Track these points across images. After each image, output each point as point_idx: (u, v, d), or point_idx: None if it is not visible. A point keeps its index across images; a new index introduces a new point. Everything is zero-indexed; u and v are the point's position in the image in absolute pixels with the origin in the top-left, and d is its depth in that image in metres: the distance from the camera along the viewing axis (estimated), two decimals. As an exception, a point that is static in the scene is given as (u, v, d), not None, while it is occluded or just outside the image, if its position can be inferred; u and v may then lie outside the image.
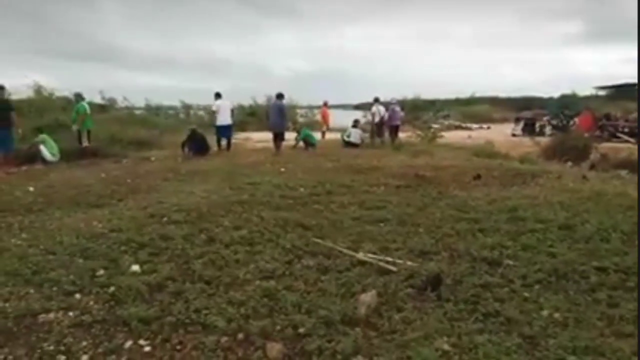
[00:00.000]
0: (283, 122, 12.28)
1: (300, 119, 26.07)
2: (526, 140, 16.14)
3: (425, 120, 22.99)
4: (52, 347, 2.58)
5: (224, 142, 12.84)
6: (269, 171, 8.48)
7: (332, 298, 3.13)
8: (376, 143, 14.28)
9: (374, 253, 3.97)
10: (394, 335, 2.67)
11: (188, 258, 3.90)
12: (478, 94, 40.89)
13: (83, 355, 2.50)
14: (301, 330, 2.70)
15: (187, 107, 27.48)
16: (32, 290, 3.30)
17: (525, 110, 25.22)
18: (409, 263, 3.73)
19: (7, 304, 3.08)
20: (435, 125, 21.27)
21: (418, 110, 28.85)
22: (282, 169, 8.69)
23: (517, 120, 22.80)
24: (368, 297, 3.03)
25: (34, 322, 2.86)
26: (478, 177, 7.43)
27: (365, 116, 18.18)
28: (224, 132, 12.72)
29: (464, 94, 42.10)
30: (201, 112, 25.90)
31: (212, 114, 12.96)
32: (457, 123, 28.01)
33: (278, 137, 12.26)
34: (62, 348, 2.58)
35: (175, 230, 4.58)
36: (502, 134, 20.55)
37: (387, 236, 4.49)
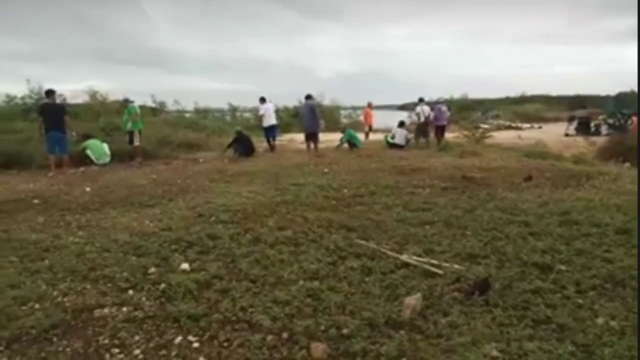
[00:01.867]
0: (315, 123, 12.26)
1: (344, 120, 26.09)
2: (580, 140, 15.43)
3: (473, 120, 22.43)
4: (107, 341, 2.71)
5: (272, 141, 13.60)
6: (313, 172, 8.52)
7: (376, 300, 3.11)
8: (421, 144, 14.04)
9: (419, 255, 3.92)
10: (440, 340, 2.62)
11: (234, 257, 3.99)
12: (529, 93, 39.51)
13: (136, 349, 2.61)
14: (345, 331, 2.70)
15: (233, 110, 28.13)
16: (88, 286, 3.47)
17: (579, 109, 24.10)
18: (456, 266, 3.65)
19: (65, 299, 3.26)
20: (484, 125, 20.70)
21: (466, 110, 28.25)
22: (326, 170, 8.72)
23: (570, 119, 21.84)
24: (413, 300, 2.99)
25: (90, 316, 3.01)
26: (529, 178, 7.16)
27: (409, 117, 17.94)
28: (271, 132, 13.62)
29: (514, 92, 40.81)
30: (247, 114, 26.46)
31: (260, 117, 13.74)
32: (507, 123, 27.13)
33: (311, 138, 12.31)
34: (116, 342, 2.70)
35: (222, 230, 4.70)
36: (554, 133, 19.73)
37: (433, 239, 4.41)
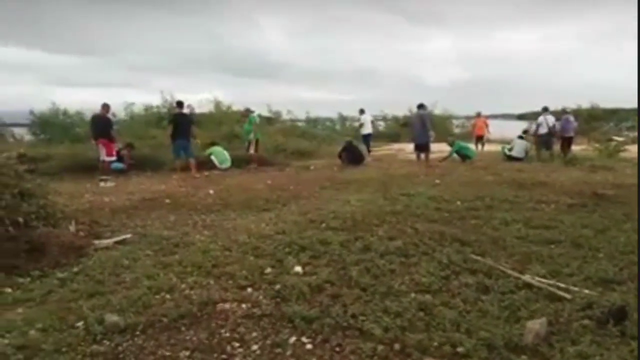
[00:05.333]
0: (425, 134, 11.87)
1: (456, 130, 25.15)
2: None
3: (604, 132, 20.21)
4: (228, 334, 2.89)
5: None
6: (423, 183, 8.32)
7: (494, 320, 2.92)
8: (543, 156, 12.99)
9: (543, 277, 3.61)
10: (568, 370, 2.38)
11: (345, 264, 4.03)
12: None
13: (254, 345, 2.75)
14: (460, 349, 2.58)
15: (342, 119, 28.64)
16: (212, 281, 3.74)
17: None
18: (586, 291, 3.30)
19: (192, 292, 3.54)
20: (618, 138, 18.53)
21: (595, 120, 25.57)
22: (437, 181, 8.46)
23: None
24: (537, 325, 2.75)
25: (213, 309, 3.23)
26: (676, 198, 6.25)
27: (530, 127, 16.73)
28: (367, 139, 14.82)
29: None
30: (356, 124, 26.76)
31: (360, 126, 15.19)
32: (645, 135, 23.99)
33: (420, 149, 11.98)
34: (236, 336, 2.86)
35: (332, 236, 4.77)
36: None
37: (559, 259, 4.04)
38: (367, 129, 14.96)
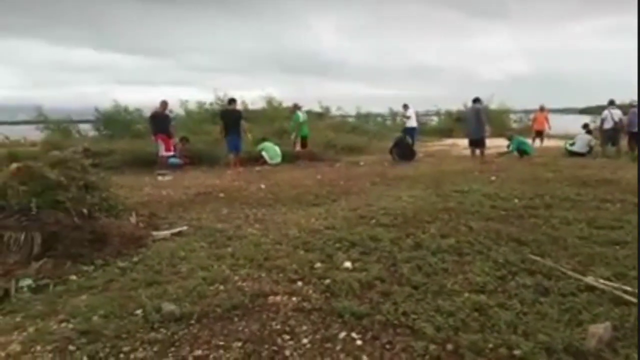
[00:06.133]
0: (480, 128, 11.46)
1: (514, 125, 24.19)
2: None
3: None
4: (278, 327, 2.92)
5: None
6: (478, 179, 8.07)
7: (554, 324, 2.78)
8: (608, 152, 12.24)
9: (608, 279, 3.40)
10: (635, 379, 2.23)
11: (395, 261, 3.97)
12: None
13: (304, 338, 2.77)
14: (517, 352, 2.48)
15: (393, 114, 28.29)
16: (263, 274, 3.80)
17: None
18: (656, 296, 3.08)
19: (244, 284, 3.61)
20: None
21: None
22: (493, 178, 8.17)
23: None
24: (600, 329, 2.59)
25: (264, 302, 3.28)
26: None
27: (594, 121, 15.81)
28: (412, 132, 14.66)
29: None
30: (403, 118, 26.37)
31: (406, 119, 15.45)
32: None
33: (475, 144, 11.60)
34: (287, 329, 2.89)
35: (383, 233, 4.72)
36: None
37: (625, 261, 3.79)
38: (413, 122, 15.27)
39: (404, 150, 12.16)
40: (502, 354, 2.48)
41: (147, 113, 13.62)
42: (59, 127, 20.47)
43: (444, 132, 24.21)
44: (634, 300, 3.02)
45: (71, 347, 2.71)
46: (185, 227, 5.34)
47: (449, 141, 18.67)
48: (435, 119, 28.85)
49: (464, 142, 13.37)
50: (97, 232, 4.50)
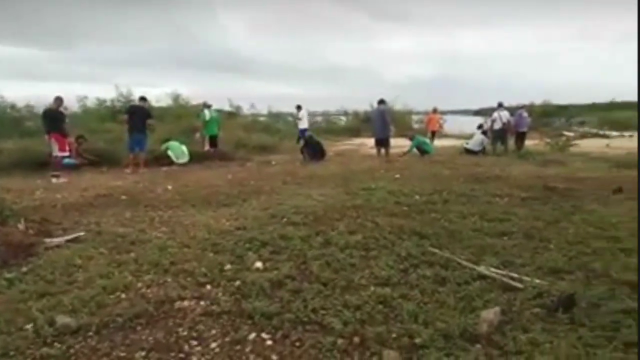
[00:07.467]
0: (386, 128, 12.08)
1: (416, 126, 25.65)
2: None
3: (556, 127, 21.11)
4: (185, 333, 2.83)
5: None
6: (383, 177, 8.44)
7: (451, 311, 3.00)
8: (498, 150, 13.45)
9: (497, 267, 3.73)
10: (520, 357, 2.46)
11: (305, 259, 4.02)
12: (619, 99, 36.01)
13: (212, 342, 2.70)
14: (418, 340, 2.63)
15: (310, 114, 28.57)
16: (169, 279, 3.65)
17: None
18: (537, 281, 3.43)
19: (149, 290, 3.44)
20: (568, 133, 19.39)
21: (548, 116, 26.62)
22: (397, 176, 8.60)
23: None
24: (491, 314, 2.84)
25: (171, 308, 3.16)
26: (619, 190, 6.61)
27: (485, 122, 17.27)
28: (303, 133, 15.08)
29: (603, 99, 37.52)
30: (318, 118, 26.87)
31: (298, 120, 16.70)
32: (593, 130, 25.18)
33: (380, 143, 12.17)
34: (195, 334, 2.80)
35: (293, 231, 4.76)
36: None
37: (512, 250, 4.19)
38: (304, 124, 16.45)
39: (313, 149, 12.35)
40: (405, 342, 2.62)
41: (40, 110, 12.43)
42: None
43: (352, 131, 24.99)
44: (520, 286, 3.35)
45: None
46: (82, 233, 4.95)
47: (358, 141, 19.31)
48: (343, 118, 29.67)
49: (371, 141, 13.90)
50: (-23, 241, 4.03)
